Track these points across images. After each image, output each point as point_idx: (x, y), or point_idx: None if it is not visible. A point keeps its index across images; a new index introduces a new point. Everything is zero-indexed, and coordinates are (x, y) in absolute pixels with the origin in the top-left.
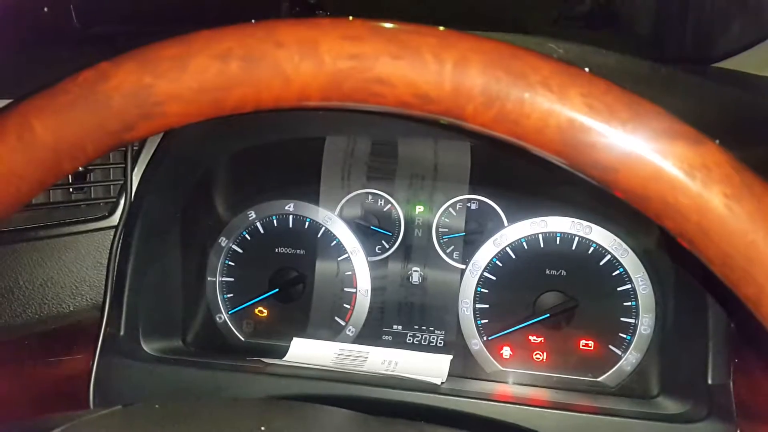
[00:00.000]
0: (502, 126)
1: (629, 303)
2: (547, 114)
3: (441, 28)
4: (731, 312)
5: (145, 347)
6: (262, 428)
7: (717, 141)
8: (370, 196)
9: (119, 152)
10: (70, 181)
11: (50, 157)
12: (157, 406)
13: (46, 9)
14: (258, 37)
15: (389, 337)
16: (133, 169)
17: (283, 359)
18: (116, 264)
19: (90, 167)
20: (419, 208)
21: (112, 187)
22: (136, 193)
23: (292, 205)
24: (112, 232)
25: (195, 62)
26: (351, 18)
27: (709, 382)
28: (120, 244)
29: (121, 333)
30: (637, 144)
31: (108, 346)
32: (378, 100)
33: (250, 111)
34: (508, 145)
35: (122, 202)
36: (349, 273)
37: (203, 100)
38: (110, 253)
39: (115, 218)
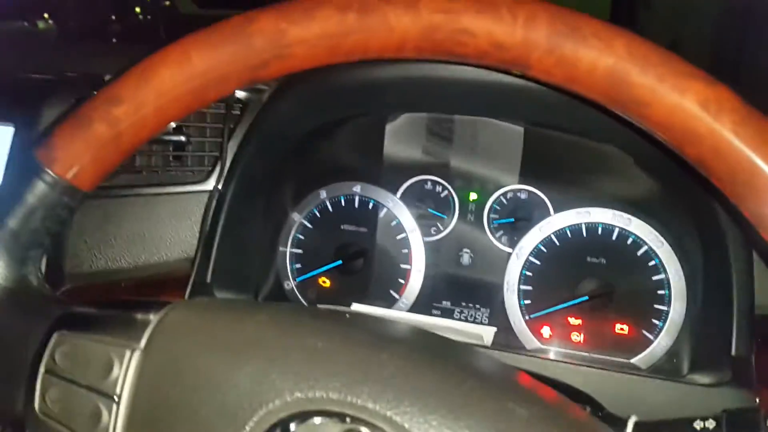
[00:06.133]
0: (560, 70)
1: (662, 291)
2: (596, 59)
3: None
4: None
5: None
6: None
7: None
8: (429, 182)
9: (217, 129)
10: (171, 150)
11: (200, 84)
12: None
13: None
14: None
15: (438, 312)
16: (228, 142)
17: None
18: (209, 223)
19: (190, 139)
20: (473, 195)
21: (206, 158)
22: (231, 164)
23: (359, 186)
24: (203, 195)
25: (321, 12)
26: None
27: (733, 354)
28: (214, 208)
29: (208, 281)
30: (665, 83)
31: (196, 292)
32: (462, 50)
33: (357, 59)
34: (559, 128)
35: (216, 170)
36: (406, 251)
37: (322, 45)
38: (205, 214)
39: (208, 184)
